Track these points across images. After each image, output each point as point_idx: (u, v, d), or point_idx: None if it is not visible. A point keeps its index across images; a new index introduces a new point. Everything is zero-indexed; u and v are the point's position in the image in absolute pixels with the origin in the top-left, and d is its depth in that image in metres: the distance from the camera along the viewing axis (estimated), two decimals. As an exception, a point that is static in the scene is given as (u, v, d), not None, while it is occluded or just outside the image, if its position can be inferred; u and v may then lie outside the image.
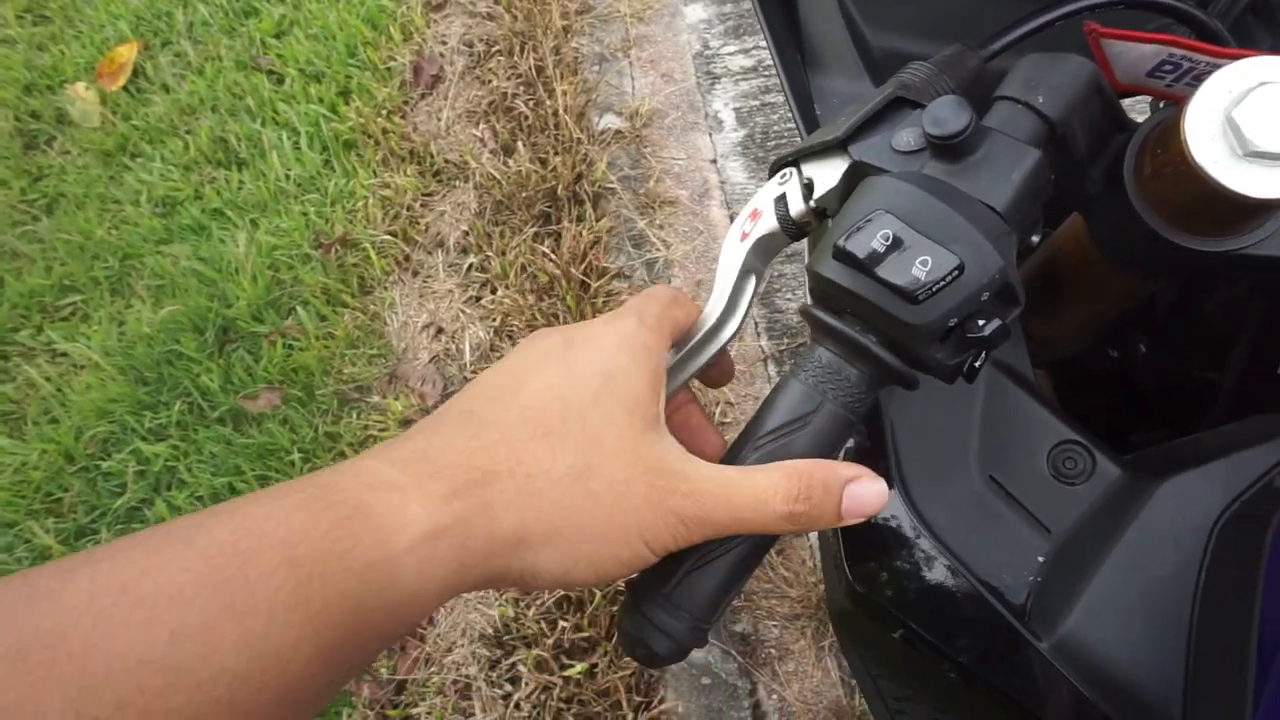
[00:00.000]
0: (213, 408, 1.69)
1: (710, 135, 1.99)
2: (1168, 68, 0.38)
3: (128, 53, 2.31)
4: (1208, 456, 0.45)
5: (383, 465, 0.31)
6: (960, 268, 0.34)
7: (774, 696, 1.30)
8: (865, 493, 0.35)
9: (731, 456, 0.38)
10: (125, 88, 2.28)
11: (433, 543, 0.30)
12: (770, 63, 2.10)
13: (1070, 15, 0.46)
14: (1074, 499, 0.47)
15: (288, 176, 2.00)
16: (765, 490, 0.34)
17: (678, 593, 0.36)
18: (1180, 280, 0.60)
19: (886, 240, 0.34)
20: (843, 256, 0.35)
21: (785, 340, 1.64)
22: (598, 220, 1.81)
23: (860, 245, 0.35)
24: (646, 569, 0.37)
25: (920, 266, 0.34)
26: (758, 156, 1.93)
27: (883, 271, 0.34)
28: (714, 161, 1.94)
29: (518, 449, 0.33)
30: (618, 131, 1.98)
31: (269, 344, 1.75)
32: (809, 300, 0.41)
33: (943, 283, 0.34)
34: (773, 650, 1.33)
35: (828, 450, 0.38)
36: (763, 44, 2.13)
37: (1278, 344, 0.54)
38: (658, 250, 1.78)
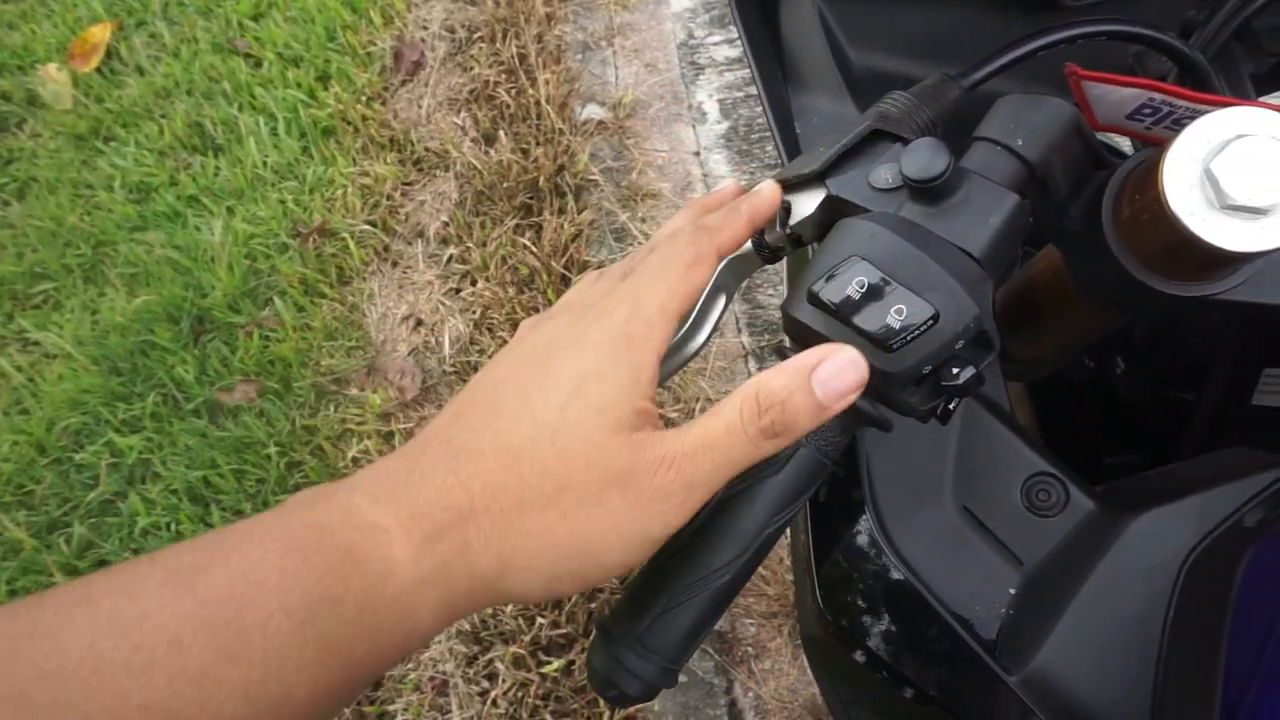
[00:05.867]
0: (188, 400, 1.67)
1: (694, 127, 1.97)
2: (1148, 111, 0.38)
3: (101, 33, 2.26)
4: (1180, 491, 0.45)
5: (368, 503, 0.32)
6: (935, 317, 0.33)
7: (750, 694, 1.30)
8: (836, 371, 0.33)
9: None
10: (98, 69, 2.23)
11: (417, 588, 0.31)
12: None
13: (1052, 45, 0.46)
14: (1047, 531, 0.47)
15: (265, 163, 1.97)
16: (731, 423, 0.33)
17: (649, 634, 0.36)
18: (1155, 317, 0.60)
19: (861, 288, 0.34)
20: (817, 302, 0.35)
21: (766, 336, 1.64)
22: (579, 213, 1.80)
23: (835, 292, 0.34)
24: (617, 608, 0.37)
25: (895, 315, 0.34)
26: (741, 149, 1.92)
27: (857, 320, 0.34)
28: (697, 154, 1.93)
29: (491, 483, 0.33)
30: (600, 122, 1.96)
31: (245, 335, 1.73)
32: (785, 340, 0.40)
33: (918, 331, 0.33)
34: (749, 648, 1.34)
35: (800, 493, 0.38)
36: (747, 34, 2.12)
37: (1252, 374, 0.54)
38: (640, 244, 1.77)
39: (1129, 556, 0.44)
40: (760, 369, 1.59)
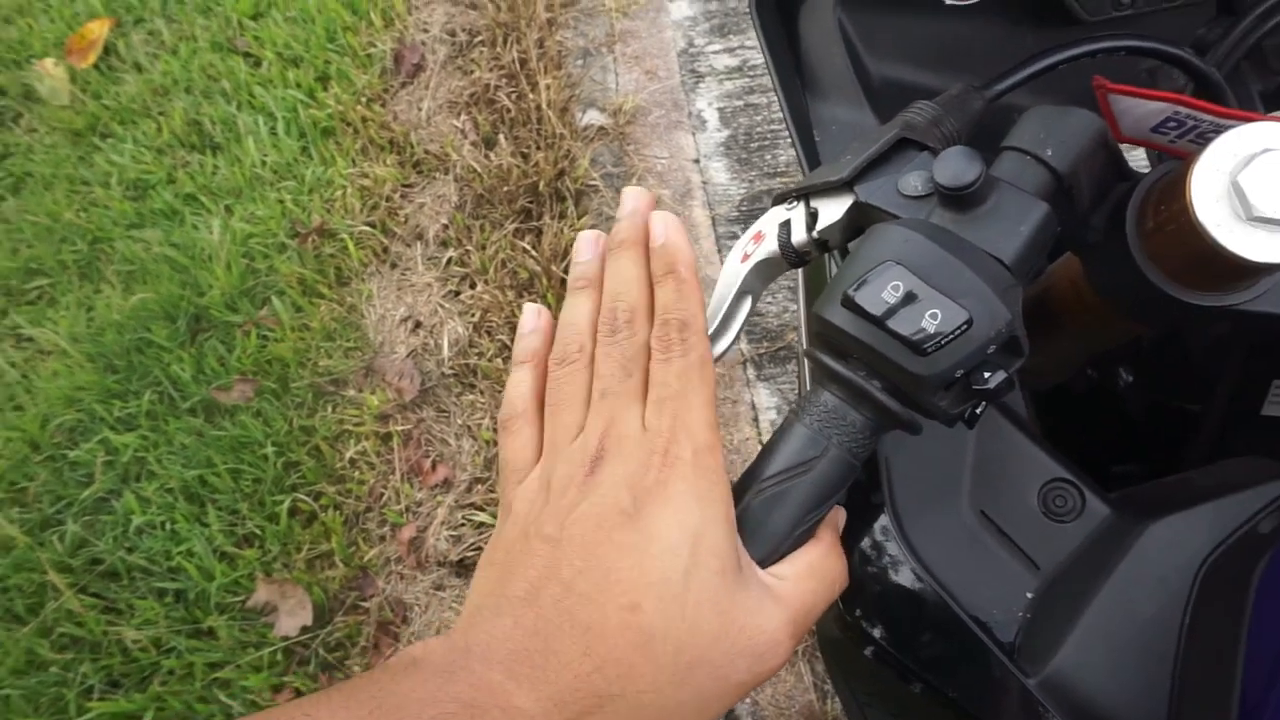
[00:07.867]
0: (184, 398, 1.66)
1: (694, 134, 1.98)
2: (1172, 124, 0.39)
3: (99, 29, 2.25)
4: (1195, 499, 0.46)
5: (510, 683, 0.32)
6: (969, 322, 0.34)
7: (747, 700, 1.31)
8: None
9: (735, 497, 0.39)
10: (96, 65, 2.22)
11: None
12: (756, 63, 2.10)
13: (1074, 59, 0.47)
14: (1064, 536, 0.48)
15: (264, 163, 1.97)
16: (833, 563, 0.40)
17: None
18: (1173, 326, 0.61)
19: (897, 292, 0.35)
20: (852, 306, 0.35)
21: (765, 344, 1.65)
22: (579, 218, 1.80)
23: (870, 296, 0.35)
24: None
25: (930, 319, 0.34)
26: (740, 157, 1.93)
27: (893, 323, 0.35)
28: (697, 161, 1.94)
29: (626, 667, 0.33)
30: (601, 128, 1.97)
31: (243, 334, 1.73)
32: (806, 342, 0.41)
33: (951, 336, 0.34)
34: (746, 653, 1.34)
35: (830, 494, 0.39)
36: (749, 43, 2.13)
37: (1261, 386, 0.55)
38: (639, 249, 1.78)
39: (1145, 562, 0.45)
40: (759, 376, 1.60)
